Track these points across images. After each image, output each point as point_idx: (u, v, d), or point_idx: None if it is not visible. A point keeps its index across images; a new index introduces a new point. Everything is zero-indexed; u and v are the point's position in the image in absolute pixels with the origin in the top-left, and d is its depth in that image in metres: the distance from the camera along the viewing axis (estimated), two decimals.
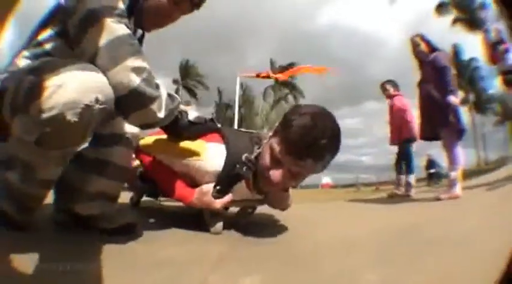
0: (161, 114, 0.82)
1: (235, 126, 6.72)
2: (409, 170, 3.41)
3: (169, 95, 0.87)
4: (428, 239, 1.11)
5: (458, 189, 2.42)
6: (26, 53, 0.84)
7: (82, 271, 0.67)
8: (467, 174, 3.56)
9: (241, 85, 16.34)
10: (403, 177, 3.45)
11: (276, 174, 0.96)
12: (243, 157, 1.04)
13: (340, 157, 1.00)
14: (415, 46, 2.77)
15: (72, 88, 0.65)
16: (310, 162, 0.91)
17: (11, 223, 0.83)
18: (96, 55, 0.74)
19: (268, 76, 6.77)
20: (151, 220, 1.33)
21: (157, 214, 1.41)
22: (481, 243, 0.97)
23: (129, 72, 0.75)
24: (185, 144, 1.06)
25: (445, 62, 2.60)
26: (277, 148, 0.95)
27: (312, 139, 0.88)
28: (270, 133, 1.04)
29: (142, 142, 1.16)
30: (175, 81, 23.24)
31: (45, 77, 0.66)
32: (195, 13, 1.05)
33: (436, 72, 2.59)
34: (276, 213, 1.45)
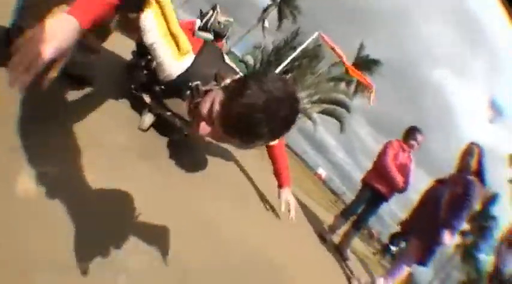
0: None
1: None
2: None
3: None
4: None
5: None
6: None
7: None
8: None
9: None
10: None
11: (205, 128, 0.88)
12: (194, 84, 0.97)
13: None
14: (467, 154, 2.49)
15: None
16: (237, 142, 0.83)
17: None
18: None
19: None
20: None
21: None
22: None
23: None
24: (182, 37, 1.01)
25: (475, 196, 2.35)
26: (216, 107, 0.82)
27: (249, 126, 0.75)
28: (223, 83, 0.91)
29: None
30: None
31: None
32: None
33: (460, 195, 2.37)
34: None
